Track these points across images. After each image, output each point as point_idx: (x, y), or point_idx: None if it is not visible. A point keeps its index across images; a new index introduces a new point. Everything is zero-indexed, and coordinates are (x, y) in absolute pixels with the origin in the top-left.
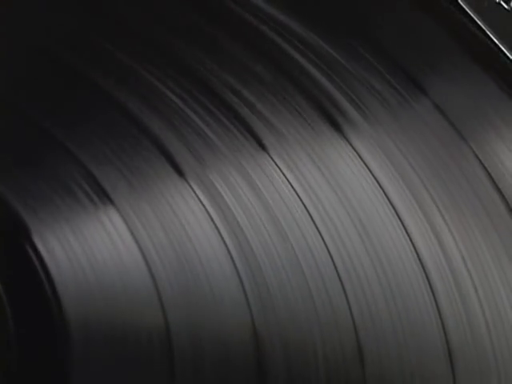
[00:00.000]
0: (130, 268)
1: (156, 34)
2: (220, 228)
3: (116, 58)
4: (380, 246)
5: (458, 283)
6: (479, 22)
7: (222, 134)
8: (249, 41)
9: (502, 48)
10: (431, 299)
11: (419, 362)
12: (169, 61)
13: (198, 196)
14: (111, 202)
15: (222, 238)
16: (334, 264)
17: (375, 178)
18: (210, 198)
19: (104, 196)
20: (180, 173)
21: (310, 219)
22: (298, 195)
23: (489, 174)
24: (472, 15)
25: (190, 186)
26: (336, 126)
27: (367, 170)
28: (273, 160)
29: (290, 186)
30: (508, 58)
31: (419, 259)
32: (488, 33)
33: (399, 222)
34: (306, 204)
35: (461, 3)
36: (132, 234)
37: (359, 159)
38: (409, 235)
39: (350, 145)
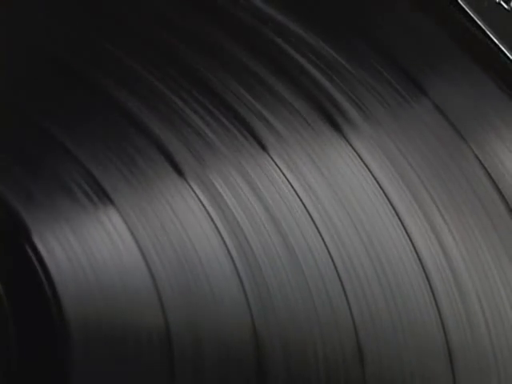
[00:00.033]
0: (130, 268)
1: (156, 34)
2: (220, 228)
3: (116, 57)
4: (380, 245)
5: (457, 283)
6: (479, 22)
7: (221, 134)
8: (249, 41)
9: (502, 48)
10: (431, 299)
11: (419, 361)
12: (169, 61)
13: (197, 196)
14: (111, 201)
15: (222, 238)
16: (334, 264)
17: (375, 178)
18: (210, 198)
19: (104, 196)
20: (180, 173)
21: (310, 219)
22: (298, 195)
23: (489, 175)
24: (472, 15)
25: (190, 186)
26: (336, 126)
27: (367, 170)
28: (273, 160)
29: (290, 185)
30: (508, 58)
31: (419, 259)
32: (488, 33)
33: (399, 222)
34: (306, 204)
35: (461, 3)
36: (132, 234)
37: (359, 159)
38: (409, 235)
39: (350, 145)
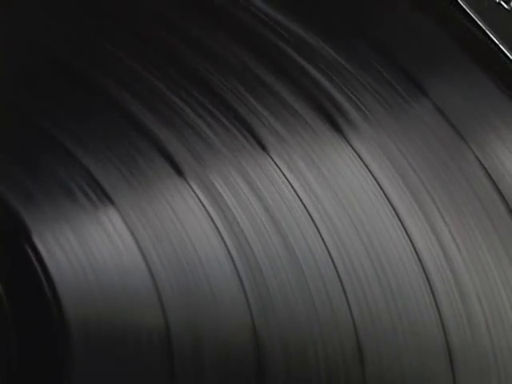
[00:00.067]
0: (130, 268)
1: (156, 34)
2: (220, 228)
3: (116, 57)
4: (380, 246)
5: (458, 284)
6: (479, 22)
7: (221, 134)
8: (249, 41)
9: (502, 48)
10: (431, 300)
11: (419, 362)
12: (169, 61)
13: (197, 196)
14: (111, 202)
15: (222, 238)
16: (334, 264)
17: (375, 179)
18: (210, 198)
19: (104, 196)
20: (180, 173)
21: (310, 219)
22: (298, 195)
23: (489, 175)
24: (472, 15)
25: (190, 186)
26: (336, 127)
27: (367, 171)
28: (273, 160)
29: (290, 186)
30: (508, 58)
31: (419, 260)
32: (488, 33)
33: (399, 223)
34: (306, 204)
35: (461, 3)
36: (132, 234)
37: (359, 160)
38: (409, 236)
39: (350, 145)
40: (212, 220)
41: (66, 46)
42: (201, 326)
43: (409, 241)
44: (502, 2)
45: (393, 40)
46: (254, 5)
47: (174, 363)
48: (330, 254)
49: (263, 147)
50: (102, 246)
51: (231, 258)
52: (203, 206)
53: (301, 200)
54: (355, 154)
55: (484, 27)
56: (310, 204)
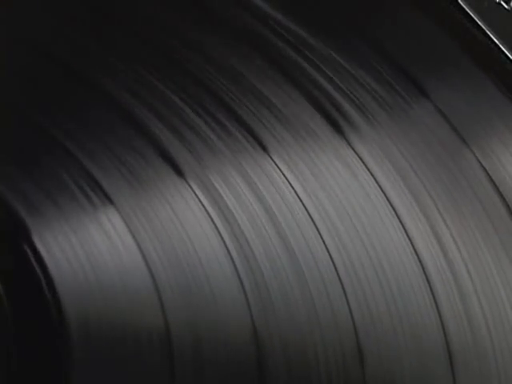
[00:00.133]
0: (130, 268)
1: (156, 35)
2: (220, 228)
3: (116, 58)
4: (381, 248)
5: (458, 285)
6: (479, 22)
7: (222, 135)
8: (249, 41)
9: (502, 48)
10: (432, 301)
11: (420, 363)
12: (169, 61)
13: (197, 196)
14: (111, 202)
15: (222, 238)
16: (335, 265)
17: (376, 180)
18: (210, 198)
19: (104, 196)
20: (180, 173)
21: (310, 220)
22: (299, 196)
23: (490, 178)
24: (472, 15)
25: (190, 187)
26: (337, 128)
27: (368, 172)
28: (273, 161)
29: (290, 186)
30: (508, 58)
31: (420, 262)
32: (488, 33)
33: (400, 225)
34: (307, 205)
35: (461, 3)
36: (132, 234)
37: (360, 161)
38: (410, 238)
39: (351, 147)
40: (212, 220)
41: (66, 45)
42: (201, 326)
43: (409, 242)
44: (502, 2)
45: (393, 40)
46: (255, 5)
47: (174, 363)
48: (331, 255)
49: (264, 148)
50: (102, 246)
51: (231, 258)
52: (203, 206)
53: (301, 201)
54: (356, 156)
55: (484, 27)
56: (310, 205)
